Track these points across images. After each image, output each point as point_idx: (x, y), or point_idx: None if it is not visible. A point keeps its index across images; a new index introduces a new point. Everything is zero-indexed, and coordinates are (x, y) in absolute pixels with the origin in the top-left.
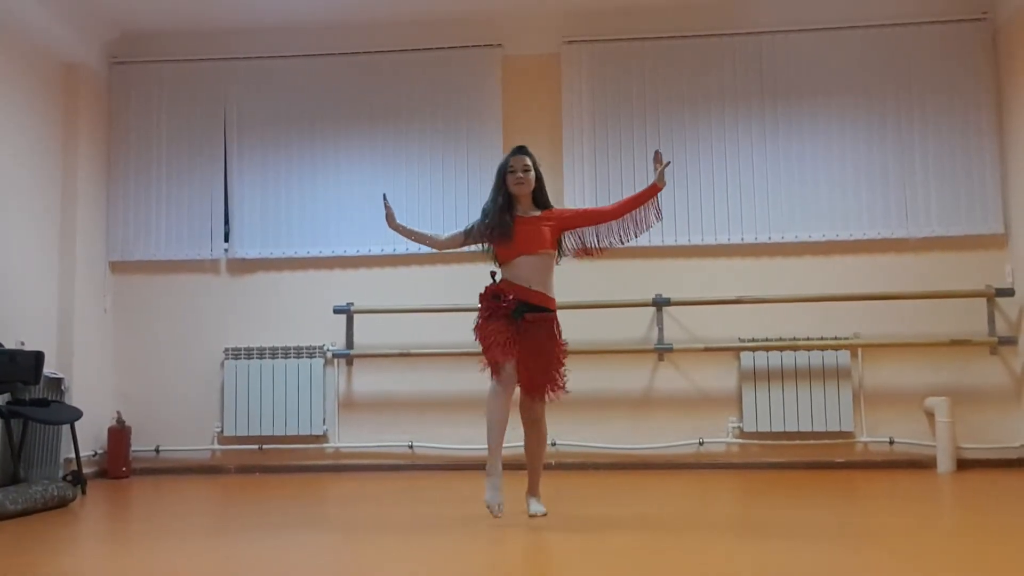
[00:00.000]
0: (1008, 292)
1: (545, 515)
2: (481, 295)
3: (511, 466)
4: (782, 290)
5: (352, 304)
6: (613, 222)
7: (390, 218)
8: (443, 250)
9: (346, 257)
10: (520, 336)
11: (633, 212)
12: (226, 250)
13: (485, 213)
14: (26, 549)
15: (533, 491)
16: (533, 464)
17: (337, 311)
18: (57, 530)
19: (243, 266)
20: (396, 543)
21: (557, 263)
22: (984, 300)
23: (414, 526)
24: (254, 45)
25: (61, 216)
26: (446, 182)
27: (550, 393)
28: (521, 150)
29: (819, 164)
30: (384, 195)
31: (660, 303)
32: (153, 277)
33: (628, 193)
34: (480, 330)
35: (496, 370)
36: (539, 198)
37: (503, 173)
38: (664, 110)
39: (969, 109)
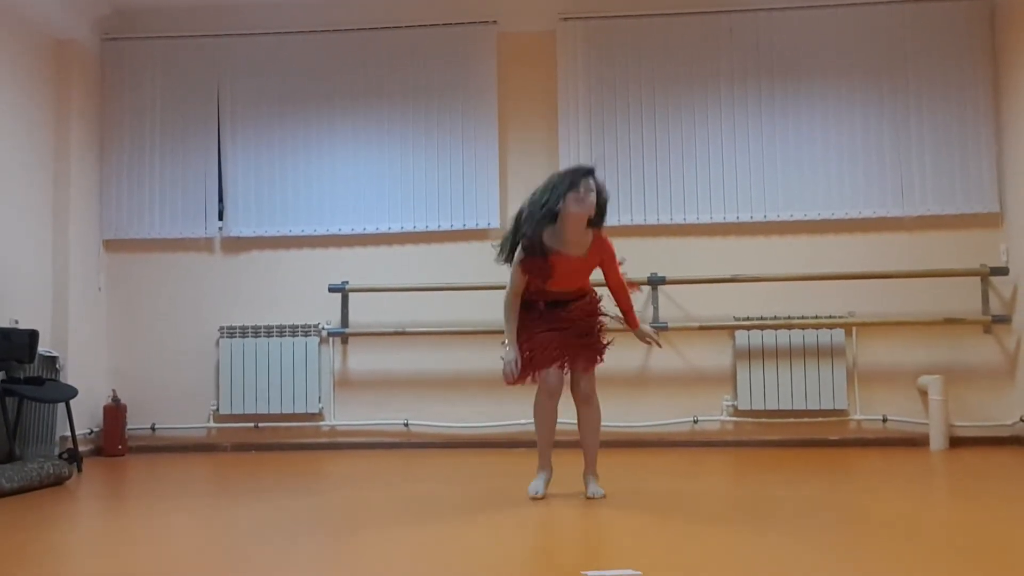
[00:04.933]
0: (1002, 271)
1: (603, 497)
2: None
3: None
4: (777, 269)
5: (347, 282)
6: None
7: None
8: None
9: (341, 235)
10: (560, 317)
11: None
12: (220, 228)
13: (525, 248)
14: (22, 527)
15: (589, 470)
16: (587, 443)
17: (332, 289)
18: (53, 508)
19: (238, 244)
20: (391, 522)
21: None
22: (978, 279)
23: (410, 505)
24: (247, 21)
25: (54, 194)
26: (440, 160)
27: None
28: (590, 172)
29: (815, 143)
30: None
31: (655, 282)
32: (147, 255)
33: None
34: (524, 338)
35: (537, 379)
36: (594, 221)
37: (563, 190)
38: (660, 87)
39: (966, 88)
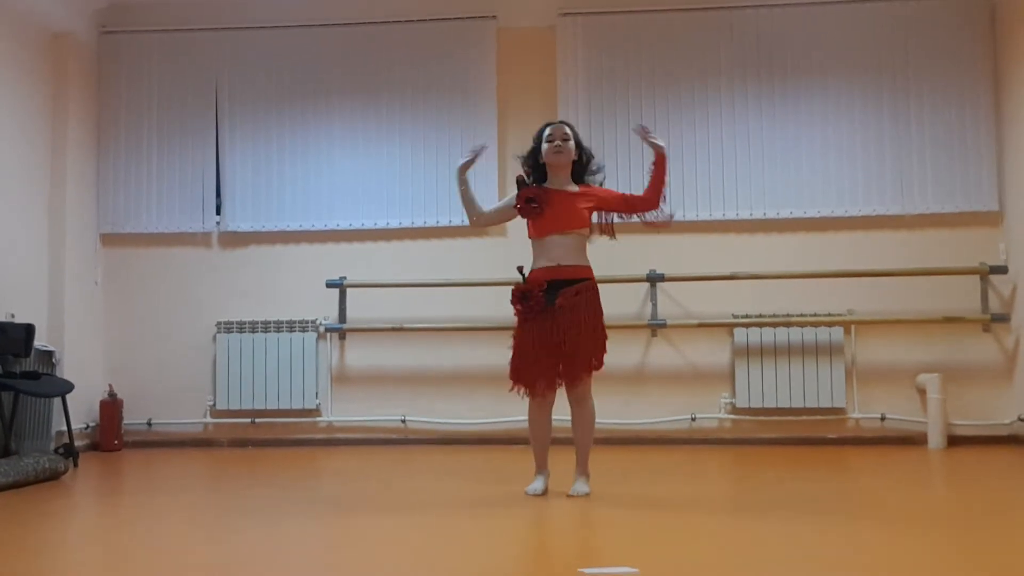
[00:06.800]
0: (1002, 269)
1: (587, 495)
2: (511, 299)
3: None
4: (776, 266)
5: (345, 278)
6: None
7: (466, 166)
8: (475, 226)
9: (339, 231)
10: (556, 321)
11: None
12: (218, 223)
13: (520, 184)
14: (17, 521)
15: (579, 469)
16: (578, 442)
17: (330, 285)
18: (49, 502)
19: (235, 239)
20: (388, 519)
21: (590, 242)
22: (978, 277)
23: (406, 501)
24: (246, 15)
25: (51, 188)
26: (439, 155)
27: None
28: (560, 121)
29: (814, 140)
30: (484, 147)
31: (654, 279)
32: (145, 250)
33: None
34: (516, 340)
35: (529, 392)
36: (578, 172)
37: (538, 142)
38: (660, 83)
39: (966, 86)
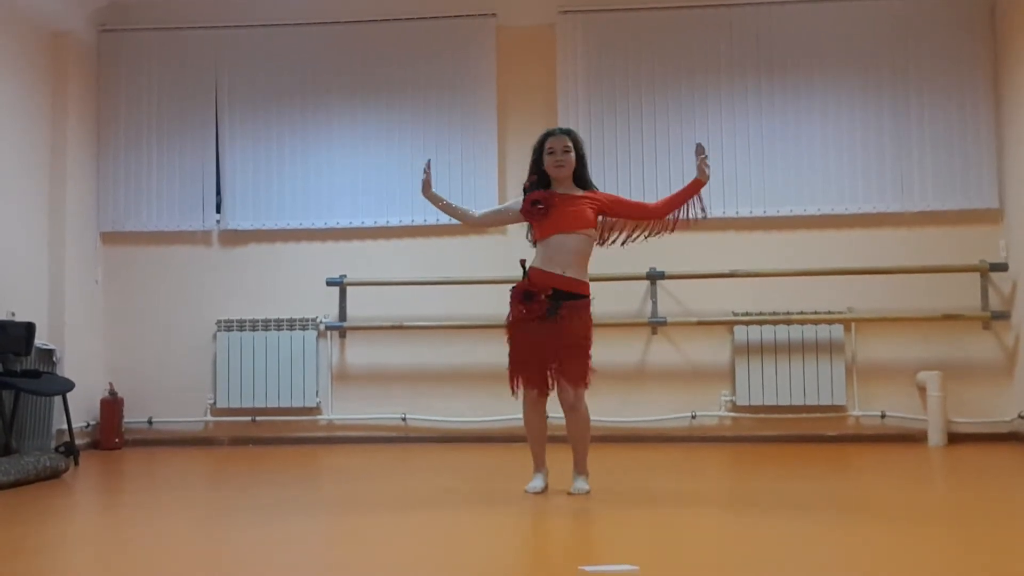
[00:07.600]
0: (1002, 267)
1: (587, 493)
2: (512, 294)
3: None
4: (776, 264)
5: (345, 276)
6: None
7: (426, 185)
8: (475, 227)
9: (339, 229)
10: (552, 329)
11: (677, 211)
12: (218, 221)
13: (525, 190)
14: (18, 520)
15: (578, 469)
16: (574, 445)
17: (330, 283)
18: (49, 501)
19: (235, 237)
20: (388, 516)
21: (598, 244)
22: (978, 275)
23: (406, 499)
24: (245, 13)
25: (51, 187)
26: (439, 153)
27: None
28: (561, 130)
29: (814, 138)
30: (428, 161)
31: (654, 276)
32: (145, 248)
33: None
34: (510, 339)
35: (523, 389)
36: (580, 179)
37: (539, 153)
38: (659, 81)
39: (966, 83)
